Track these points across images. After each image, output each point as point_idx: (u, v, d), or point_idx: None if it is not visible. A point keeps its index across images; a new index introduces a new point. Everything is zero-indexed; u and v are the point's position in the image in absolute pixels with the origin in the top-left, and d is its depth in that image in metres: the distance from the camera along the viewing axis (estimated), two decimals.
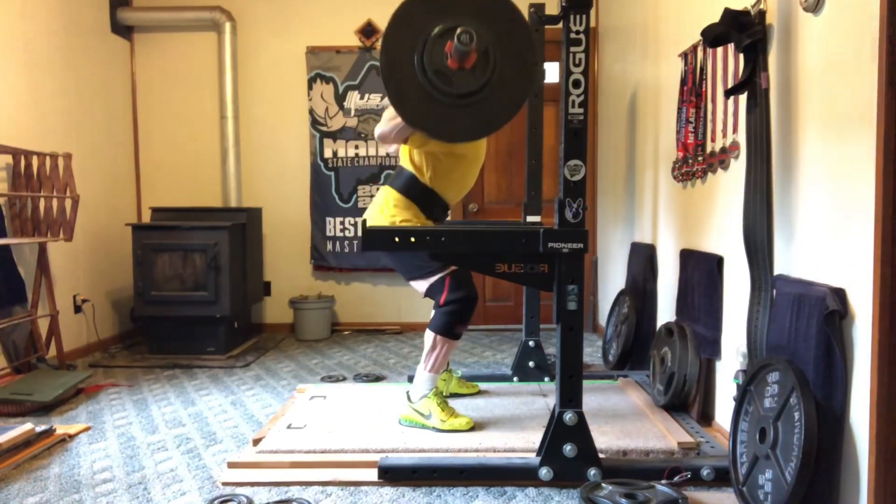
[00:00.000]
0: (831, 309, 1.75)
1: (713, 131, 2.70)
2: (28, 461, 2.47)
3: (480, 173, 4.96)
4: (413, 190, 2.69)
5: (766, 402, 1.93)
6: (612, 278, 4.44)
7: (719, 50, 2.59)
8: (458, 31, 1.97)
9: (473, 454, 2.40)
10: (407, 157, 2.72)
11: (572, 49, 2.10)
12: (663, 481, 2.08)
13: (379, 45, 4.89)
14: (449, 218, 4.87)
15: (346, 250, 5.01)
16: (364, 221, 2.27)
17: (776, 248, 2.12)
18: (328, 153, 4.98)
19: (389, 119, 2.60)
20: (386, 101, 4.89)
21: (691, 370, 2.69)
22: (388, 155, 4.93)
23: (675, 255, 3.10)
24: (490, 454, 2.40)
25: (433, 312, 2.72)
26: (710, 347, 2.66)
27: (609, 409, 2.84)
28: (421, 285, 2.71)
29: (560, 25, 2.16)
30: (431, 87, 2.05)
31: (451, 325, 2.65)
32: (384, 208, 2.70)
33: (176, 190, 5.03)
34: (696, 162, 2.84)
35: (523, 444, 2.45)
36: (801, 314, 1.88)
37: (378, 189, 2.92)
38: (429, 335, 2.69)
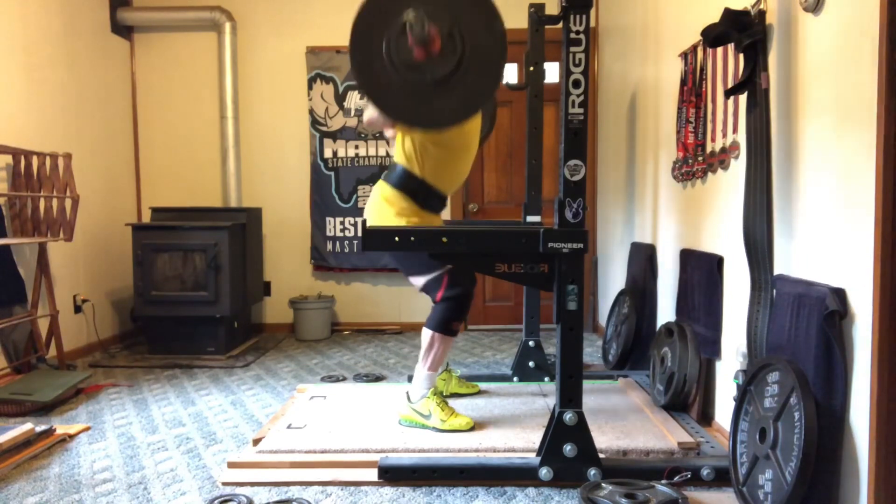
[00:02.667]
0: (831, 309, 1.75)
1: (713, 131, 2.70)
2: (28, 461, 2.47)
3: (480, 173, 5.04)
4: (407, 183, 2.67)
5: (766, 402, 1.93)
6: (612, 278, 4.44)
7: (719, 50, 2.59)
8: (408, 20, 1.97)
9: (473, 454, 2.40)
10: (400, 149, 2.70)
11: (572, 49, 2.10)
12: (663, 481, 2.08)
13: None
14: (449, 218, 4.92)
15: (346, 250, 5.01)
16: (364, 221, 2.27)
17: (776, 248, 2.12)
18: (328, 153, 4.98)
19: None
20: None
21: (691, 370, 2.70)
22: (387, 154, 4.93)
23: (675, 255, 3.10)
24: (490, 454, 2.40)
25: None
26: (710, 347, 2.66)
27: (609, 409, 2.84)
28: (419, 280, 2.71)
29: (560, 25, 2.16)
30: (406, 82, 2.04)
31: (447, 322, 2.64)
32: (381, 206, 2.69)
33: (176, 190, 5.03)
34: (696, 162, 2.84)
35: (523, 444, 2.45)
36: (801, 314, 1.88)
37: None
38: (426, 333, 2.69)
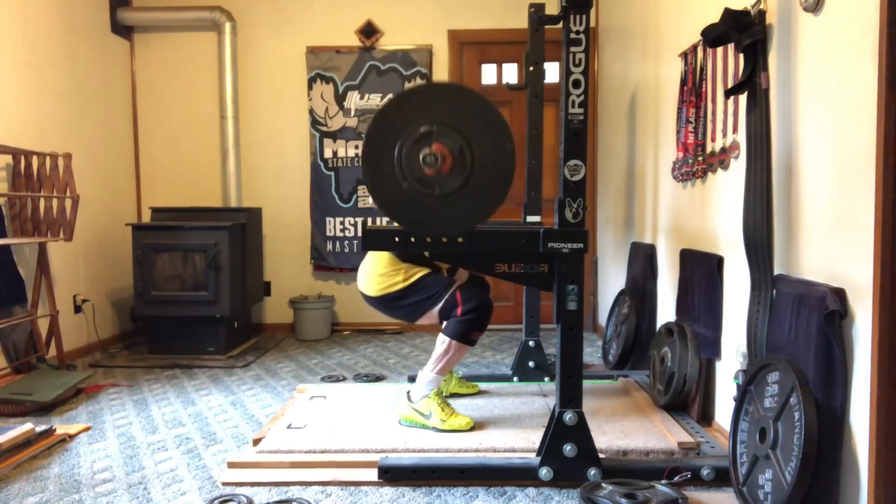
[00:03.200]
0: (831, 309, 1.75)
1: (713, 131, 2.70)
2: (28, 461, 2.47)
3: None
4: (408, 255, 2.77)
5: (766, 402, 1.93)
6: (612, 278, 4.44)
7: (719, 50, 2.59)
8: (423, 154, 2.03)
9: (473, 454, 2.40)
10: None
11: (572, 49, 2.10)
12: (663, 481, 2.08)
13: (379, 45, 4.94)
14: None
15: (346, 250, 5.01)
16: (364, 222, 2.27)
17: (776, 248, 2.12)
18: (328, 153, 4.98)
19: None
20: (386, 100, 4.91)
21: (691, 370, 2.69)
22: None
23: (675, 255, 3.10)
24: (490, 454, 2.40)
25: (444, 322, 2.72)
26: (710, 347, 2.66)
27: (609, 409, 2.84)
28: (431, 315, 2.73)
29: (560, 25, 2.16)
30: (414, 192, 2.09)
31: (467, 332, 2.65)
32: (377, 279, 2.77)
33: (176, 190, 5.03)
34: (696, 162, 2.84)
35: (523, 444, 2.45)
36: (801, 314, 1.88)
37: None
38: (443, 339, 2.67)
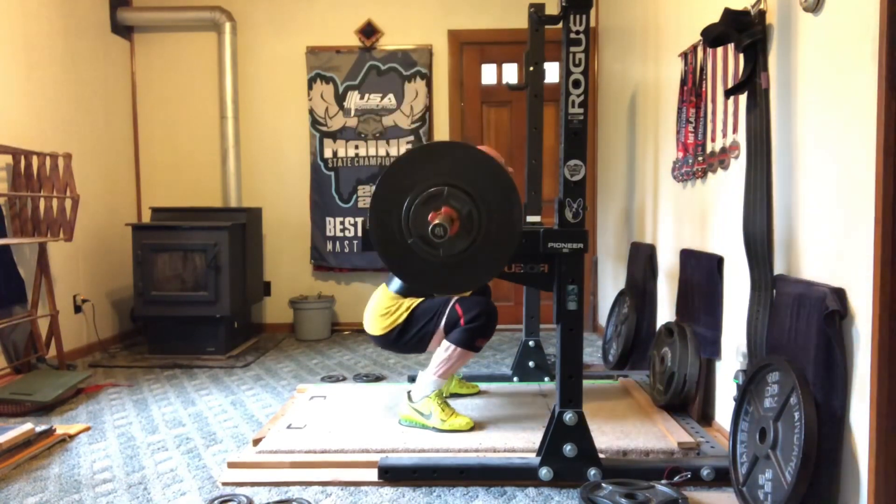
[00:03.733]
0: (831, 309, 1.75)
1: (713, 131, 2.70)
2: (28, 461, 2.47)
3: None
4: (409, 290, 2.76)
5: (766, 402, 1.93)
6: (612, 278, 4.44)
7: (719, 50, 2.59)
8: (433, 225, 2.03)
9: (473, 454, 2.40)
10: None
11: (572, 49, 2.10)
12: (663, 481, 2.08)
13: (379, 45, 4.94)
14: None
15: (346, 250, 5.01)
16: (364, 222, 2.28)
17: (776, 248, 2.12)
18: (328, 153, 4.98)
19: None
20: (385, 101, 4.91)
21: (691, 370, 2.69)
22: (387, 154, 4.94)
23: (675, 255, 3.10)
24: (490, 454, 2.40)
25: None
26: (710, 347, 2.66)
27: (609, 409, 2.84)
28: (439, 336, 2.71)
29: (560, 25, 2.16)
30: (416, 247, 2.09)
31: (472, 340, 2.64)
32: (383, 318, 2.77)
33: (176, 190, 5.03)
34: (696, 162, 2.84)
35: (523, 444, 2.45)
36: (801, 314, 1.88)
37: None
38: (447, 345, 2.66)
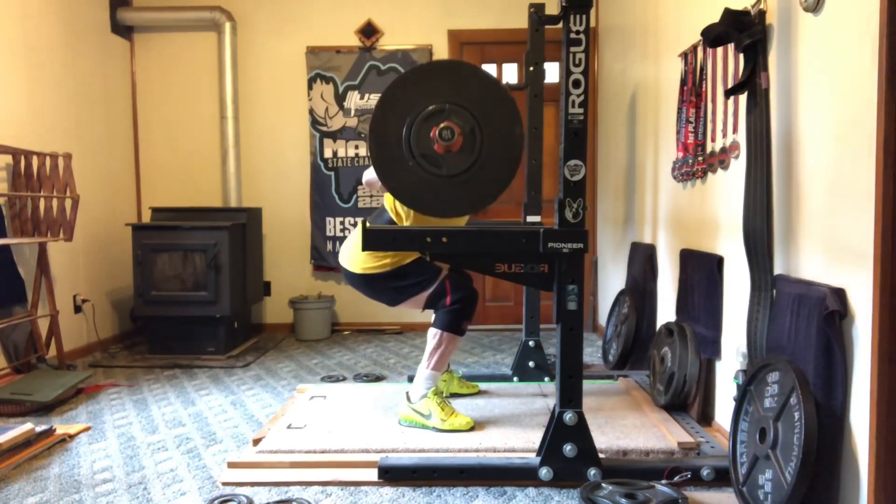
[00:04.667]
0: (831, 309, 1.75)
1: (713, 131, 2.70)
2: (28, 461, 2.47)
3: None
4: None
5: (766, 402, 1.93)
6: (612, 278, 4.44)
7: (719, 50, 2.59)
8: (440, 127, 2.02)
9: (473, 454, 2.40)
10: (391, 202, 2.73)
11: (572, 49, 2.10)
12: (663, 481, 2.08)
13: (379, 45, 4.94)
14: None
15: None
16: (364, 221, 2.27)
17: (776, 248, 2.12)
18: (328, 153, 4.98)
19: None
20: None
21: (691, 370, 2.69)
22: None
23: (675, 255, 3.10)
24: (490, 454, 2.40)
25: (434, 315, 2.73)
26: (710, 347, 2.66)
27: (609, 409, 2.84)
28: (415, 301, 2.72)
29: (560, 25, 2.16)
30: (420, 169, 2.08)
31: (457, 322, 2.66)
32: (365, 252, 2.67)
33: (176, 190, 5.03)
34: (696, 162, 2.84)
35: (523, 444, 2.45)
36: (801, 314, 1.88)
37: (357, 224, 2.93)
38: (434, 333, 2.69)
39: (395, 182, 2.13)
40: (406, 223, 2.68)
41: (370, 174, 2.70)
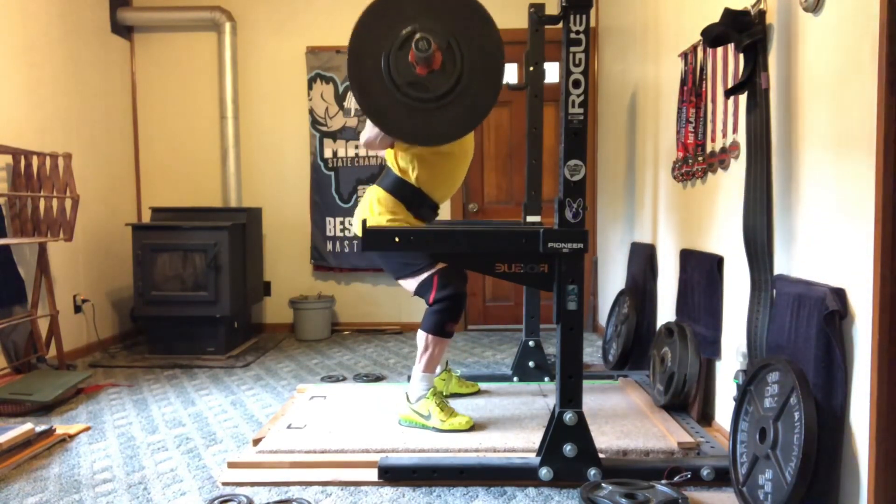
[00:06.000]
0: (831, 309, 1.75)
1: (713, 131, 2.70)
2: (28, 461, 2.47)
3: (480, 173, 5.03)
4: (401, 190, 2.68)
5: (766, 402, 1.93)
6: (612, 278, 4.44)
7: (719, 50, 2.59)
8: (415, 38, 1.99)
9: (473, 454, 2.40)
10: (392, 159, 2.71)
11: (572, 49, 2.10)
12: (663, 481, 2.08)
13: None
14: (449, 218, 4.92)
15: (346, 250, 5.01)
16: (364, 221, 2.27)
17: (776, 248, 2.12)
18: (328, 153, 4.98)
19: (374, 125, 2.59)
20: None
21: (691, 370, 2.69)
22: None
23: (675, 255, 3.10)
24: (490, 454, 2.40)
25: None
26: (710, 347, 2.66)
27: (609, 409, 2.84)
28: (410, 284, 2.71)
29: (560, 25, 2.16)
30: (408, 99, 2.06)
31: (441, 324, 2.63)
32: (372, 208, 2.70)
33: (176, 190, 5.03)
34: (696, 162, 2.84)
35: (523, 444, 2.45)
36: (801, 314, 1.88)
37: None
38: (421, 336, 2.69)
39: (389, 122, 2.10)
40: (413, 175, 2.64)
41: (366, 133, 2.68)
